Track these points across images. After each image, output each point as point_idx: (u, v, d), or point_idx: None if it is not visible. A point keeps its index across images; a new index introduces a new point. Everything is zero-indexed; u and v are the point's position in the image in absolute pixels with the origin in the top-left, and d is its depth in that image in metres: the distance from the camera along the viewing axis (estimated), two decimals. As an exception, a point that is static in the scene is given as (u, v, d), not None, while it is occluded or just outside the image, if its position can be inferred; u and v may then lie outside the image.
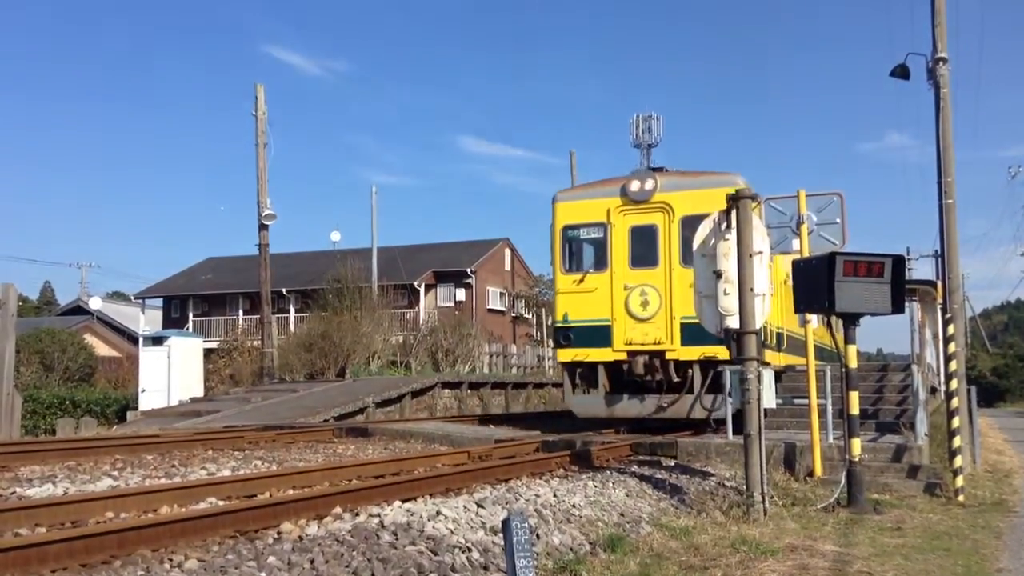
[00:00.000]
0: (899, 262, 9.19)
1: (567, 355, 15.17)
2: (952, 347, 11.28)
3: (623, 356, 14.65)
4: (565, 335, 15.18)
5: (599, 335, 14.85)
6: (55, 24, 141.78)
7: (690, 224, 13.98)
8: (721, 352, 13.00)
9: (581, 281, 15.12)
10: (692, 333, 13.73)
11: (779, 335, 15.92)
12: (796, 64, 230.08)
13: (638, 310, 14.66)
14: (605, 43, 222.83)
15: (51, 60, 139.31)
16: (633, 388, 14.80)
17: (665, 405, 14.34)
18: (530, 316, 47.58)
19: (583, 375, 15.21)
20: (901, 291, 9.20)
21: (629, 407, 14.71)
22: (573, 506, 7.71)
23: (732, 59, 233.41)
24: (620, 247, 14.96)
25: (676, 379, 14.37)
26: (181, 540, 5.55)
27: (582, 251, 15.76)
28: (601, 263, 15.19)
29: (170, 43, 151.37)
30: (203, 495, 7.34)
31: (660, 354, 14.41)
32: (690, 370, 14.20)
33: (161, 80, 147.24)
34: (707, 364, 14.03)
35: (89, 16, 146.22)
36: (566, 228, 15.52)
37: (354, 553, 5.37)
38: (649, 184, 14.78)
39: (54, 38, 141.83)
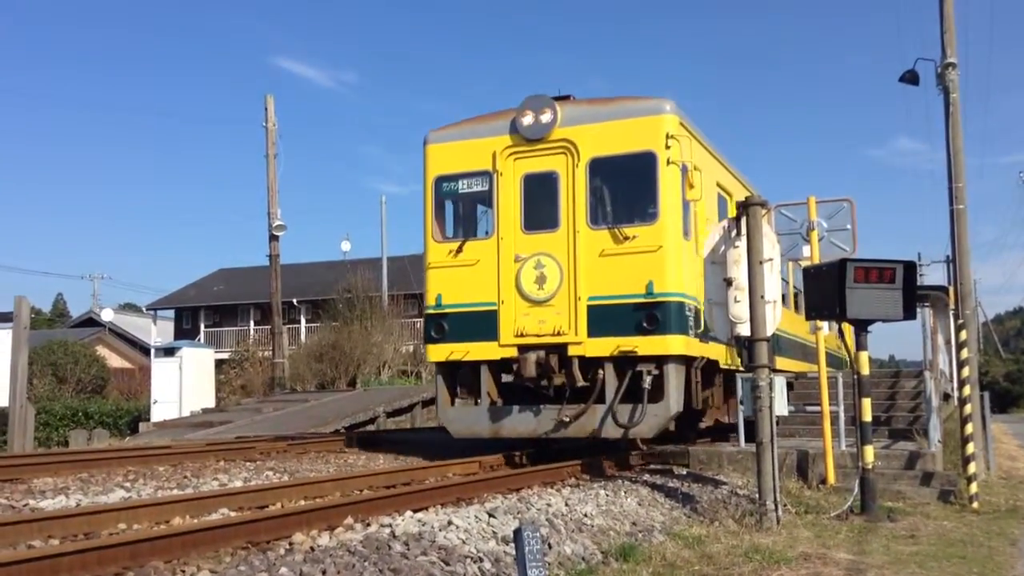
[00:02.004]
0: (910, 268, 9.17)
1: (440, 352, 11.66)
2: (965, 353, 11.21)
3: (513, 352, 11.16)
4: (437, 325, 11.69)
5: (482, 324, 11.36)
6: (62, 33, 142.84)
7: (601, 169, 11.30)
8: (642, 345, 10.58)
9: (459, 251, 11.66)
10: (603, 319, 10.82)
11: None
12: (803, 69, 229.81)
13: (532, 289, 11.17)
14: (609, 47, 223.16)
15: (59, 68, 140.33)
16: (529, 396, 11.37)
17: (567, 419, 10.86)
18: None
19: (464, 380, 11.81)
20: (912, 297, 9.17)
21: (520, 423, 11.26)
22: (585, 515, 7.69)
23: (739, 64, 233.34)
24: (509, 203, 11.44)
25: (582, 382, 11.00)
26: (193, 551, 5.56)
27: (461, 210, 12.45)
28: (485, 226, 11.89)
29: (181, 54, 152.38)
30: (215, 506, 7.35)
31: (561, 349, 10.98)
32: (601, 370, 10.88)
33: (171, 91, 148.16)
34: (623, 362, 10.77)
35: (97, 26, 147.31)
36: (440, 180, 11.96)
37: (366, 563, 5.37)
38: (546, 116, 11.34)
39: (61, 46, 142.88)
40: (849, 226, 10.78)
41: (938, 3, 13.61)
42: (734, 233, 9.03)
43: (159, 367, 26.75)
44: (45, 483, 9.22)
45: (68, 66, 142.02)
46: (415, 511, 7.15)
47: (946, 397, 19.07)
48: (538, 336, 11.06)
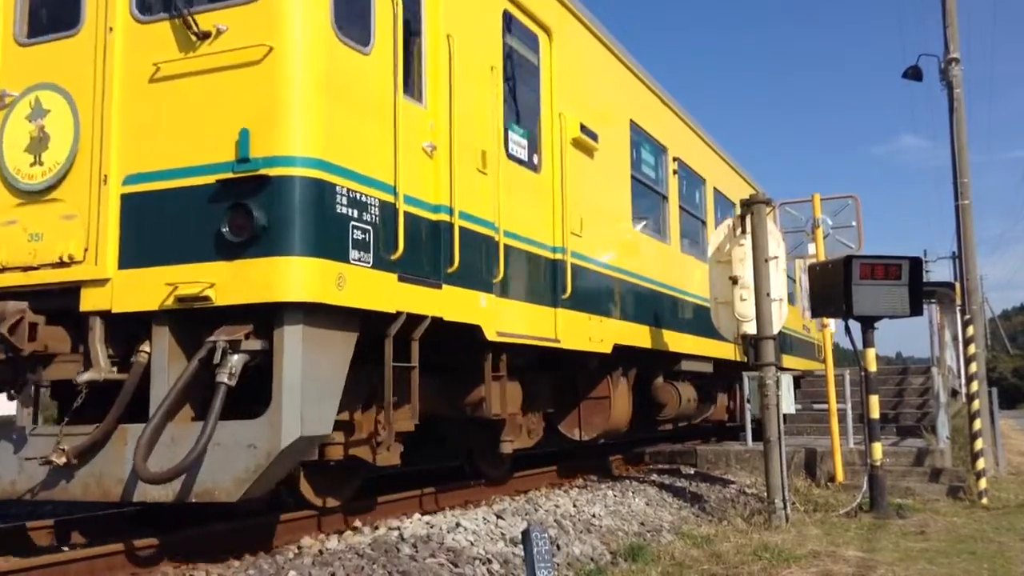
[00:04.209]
0: (916, 264, 9.16)
1: None
2: (972, 349, 11.20)
3: None
4: None
5: None
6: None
7: None
8: (223, 282, 4.95)
9: None
10: (152, 225, 5.23)
11: (624, 287, 9.32)
12: (807, 70, 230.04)
13: (22, 165, 5.59)
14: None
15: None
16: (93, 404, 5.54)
17: (67, 460, 5.12)
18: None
19: None
20: (919, 293, 9.16)
21: None
22: (593, 516, 7.68)
23: (742, 66, 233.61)
24: None
25: (111, 375, 5.31)
26: (203, 555, 5.57)
27: None
28: None
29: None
30: (223, 511, 7.35)
31: (68, 296, 5.37)
32: (146, 345, 5.27)
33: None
34: (192, 323, 5.18)
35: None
36: None
37: (375, 566, 5.37)
38: None
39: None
40: (854, 223, 10.77)
41: (940, -1, 13.59)
42: (738, 231, 9.04)
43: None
44: (54, 490, 9.22)
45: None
46: (423, 513, 7.15)
47: (954, 393, 19.07)
48: (25, 270, 5.47)
